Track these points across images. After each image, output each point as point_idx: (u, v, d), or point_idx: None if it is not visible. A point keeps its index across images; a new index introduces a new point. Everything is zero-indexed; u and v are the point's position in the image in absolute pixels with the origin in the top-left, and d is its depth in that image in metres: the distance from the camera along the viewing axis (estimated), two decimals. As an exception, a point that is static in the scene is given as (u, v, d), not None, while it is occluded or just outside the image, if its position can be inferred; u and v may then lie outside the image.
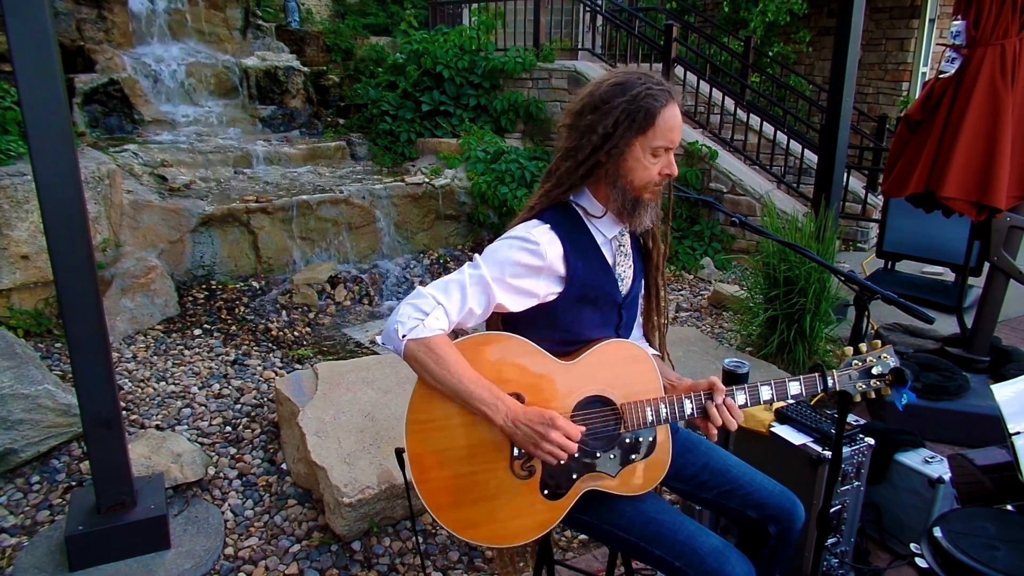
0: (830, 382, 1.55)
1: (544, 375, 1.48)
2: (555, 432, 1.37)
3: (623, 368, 1.53)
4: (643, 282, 1.70)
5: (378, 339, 1.48)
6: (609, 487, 1.51)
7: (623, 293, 1.60)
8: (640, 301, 1.73)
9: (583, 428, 1.44)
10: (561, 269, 1.48)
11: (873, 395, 1.56)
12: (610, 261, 1.57)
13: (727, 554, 1.44)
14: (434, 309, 1.40)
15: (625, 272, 1.60)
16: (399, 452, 1.45)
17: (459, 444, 1.43)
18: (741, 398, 1.53)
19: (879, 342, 1.59)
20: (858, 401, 1.59)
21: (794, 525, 1.62)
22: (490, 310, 1.46)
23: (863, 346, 1.59)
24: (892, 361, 1.56)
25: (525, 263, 1.44)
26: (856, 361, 1.57)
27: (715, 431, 1.51)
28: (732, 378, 2.21)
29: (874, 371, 1.55)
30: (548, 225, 1.48)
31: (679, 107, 1.46)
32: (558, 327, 1.52)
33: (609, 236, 1.56)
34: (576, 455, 1.45)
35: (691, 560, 1.43)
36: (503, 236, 1.50)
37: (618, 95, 1.42)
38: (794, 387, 1.55)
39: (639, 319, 1.77)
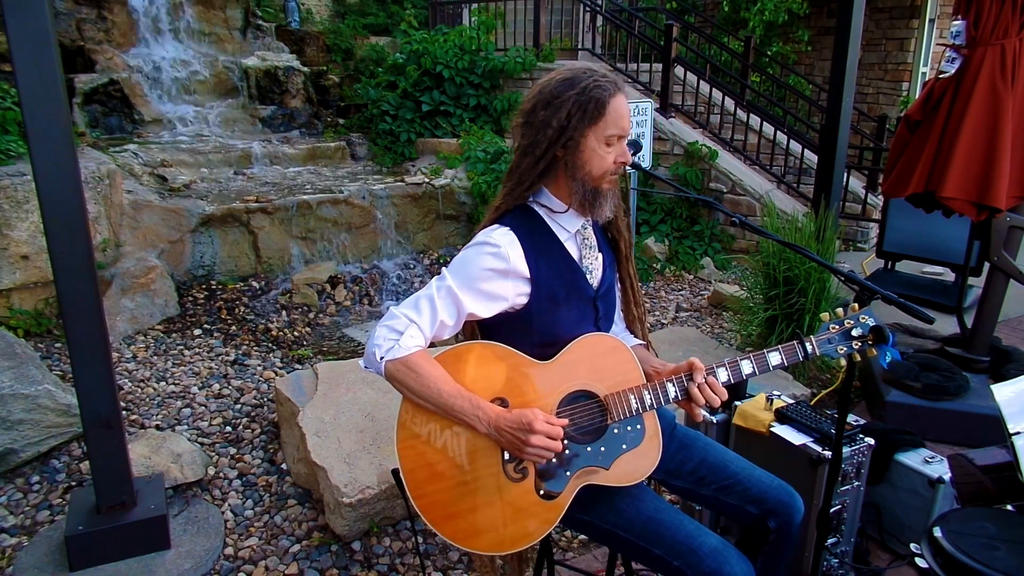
0: (809, 348, 1.55)
1: (525, 377, 1.49)
2: (535, 436, 1.38)
3: (602, 360, 1.54)
4: (616, 274, 1.72)
5: (360, 363, 1.50)
6: (604, 480, 1.51)
7: (594, 286, 1.61)
8: (617, 293, 1.74)
9: (565, 421, 1.45)
10: (524, 270, 1.49)
11: (859, 357, 1.56)
12: (575, 256, 1.59)
13: (726, 554, 1.44)
14: (408, 327, 1.43)
15: (593, 264, 1.62)
16: (395, 473, 1.46)
17: (450, 455, 1.44)
18: (723, 375, 1.54)
19: (856, 305, 1.57)
20: (843, 365, 1.58)
21: (793, 519, 1.62)
22: (462, 320, 1.49)
23: (840, 311, 1.59)
24: (871, 321, 1.55)
25: (490, 267, 1.47)
26: (833, 325, 1.57)
27: (700, 411, 1.53)
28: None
29: (854, 332, 1.55)
30: (508, 228, 1.50)
31: (625, 97, 1.50)
32: (535, 331, 1.53)
33: (572, 231, 1.58)
34: (566, 452, 1.46)
35: (690, 560, 1.44)
36: (467, 245, 1.53)
37: (567, 89, 1.46)
38: (774, 357, 1.56)
39: (620, 313, 1.78)
